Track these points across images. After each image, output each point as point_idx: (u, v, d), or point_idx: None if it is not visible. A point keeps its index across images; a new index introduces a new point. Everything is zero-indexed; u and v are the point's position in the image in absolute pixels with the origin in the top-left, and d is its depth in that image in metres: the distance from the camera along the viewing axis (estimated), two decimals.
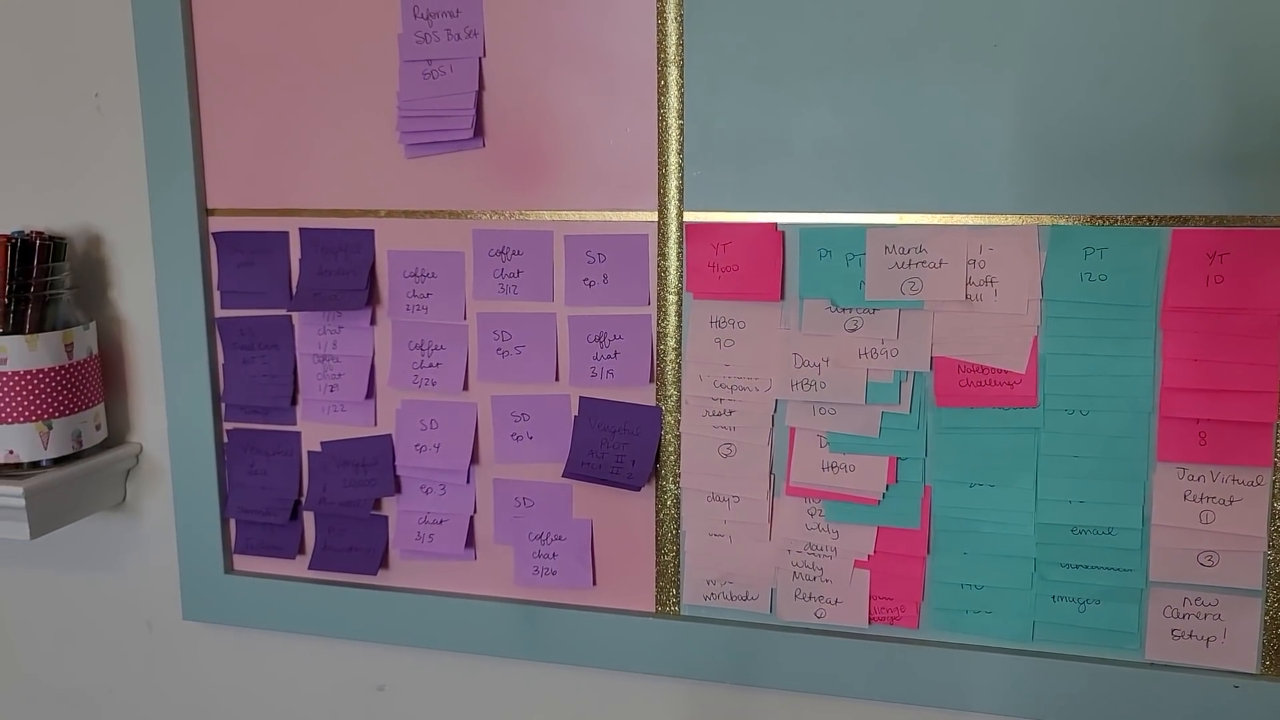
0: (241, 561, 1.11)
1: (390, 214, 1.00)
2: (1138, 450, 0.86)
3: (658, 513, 0.98)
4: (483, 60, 0.96)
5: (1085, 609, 0.89)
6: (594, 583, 1.01)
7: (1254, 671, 0.86)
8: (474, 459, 1.02)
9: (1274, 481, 0.83)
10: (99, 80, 1.08)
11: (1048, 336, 0.86)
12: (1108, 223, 0.84)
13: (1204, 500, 0.85)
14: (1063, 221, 0.85)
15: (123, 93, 1.07)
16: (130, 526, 1.16)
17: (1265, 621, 0.85)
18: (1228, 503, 0.84)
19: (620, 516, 0.99)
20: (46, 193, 1.11)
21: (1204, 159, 0.81)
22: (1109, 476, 0.86)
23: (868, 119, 0.87)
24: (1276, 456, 0.83)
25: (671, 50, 0.91)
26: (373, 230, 1.01)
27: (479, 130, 0.97)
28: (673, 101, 0.92)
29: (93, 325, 1.09)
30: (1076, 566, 0.88)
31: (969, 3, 0.84)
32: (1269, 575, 0.84)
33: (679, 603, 0.99)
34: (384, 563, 1.06)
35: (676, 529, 0.97)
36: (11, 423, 1.02)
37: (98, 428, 1.10)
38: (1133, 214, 0.83)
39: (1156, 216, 0.83)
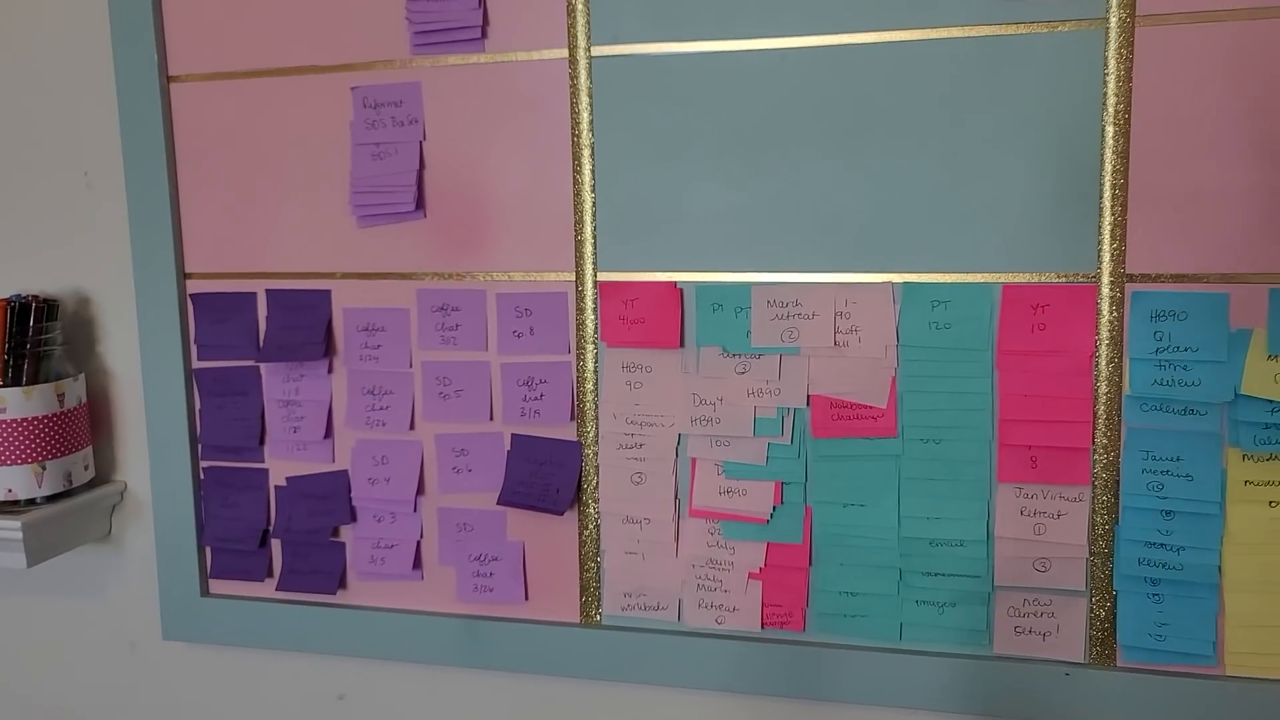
0: (216, 585, 1.24)
1: (345, 276, 1.15)
2: (981, 473, 1.00)
3: (580, 534, 1.12)
4: (423, 143, 1.11)
5: (943, 611, 1.03)
6: (526, 597, 1.14)
7: (1082, 661, 1.00)
8: (420, 490, 1.16)
9: (1092, 497, 0.98)
10: (88, 159, 1.22)
11: (904, 376, 1.01)
12: (950, 280, 0.99)
13: (1036, 515, 0.99)
14: (913, 279, 1.00)
15: (109, 170, 1.21)
16: (115, 557, 1.29)
17: (1090, 618, 0.99)
18: (1056, 516, 0.99)
19: (548, 538, 1.13)
20: (41, 259, 1.25)
21: (1026, 227, 0.96)
22: (958, 496, 1.01)
23: (751, 193, 1.02)
24: (1093, 476, 0.98)
25: (585, 135, 1.06)
26: (329, 290, 1.16)
27: (420, 203, 1.12)
28: (586, 179, 1.07)
29: (82, 377, 1.23)
30: (935, 575, 1.03)
31: (834, 97, 0.99)
32: (1091, 578, 0.99)
33: (600, 613, 1.12)
34: (342, 583, 1.19)
35: (597, 548, 1.11)
36: (9, 465, 1.16)
37: (86, 468, 1.23)
38: (970, 272, 0.98)
39: (989, 275, 0.98)
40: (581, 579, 1.12)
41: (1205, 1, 0.90)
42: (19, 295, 1.18)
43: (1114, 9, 0.92)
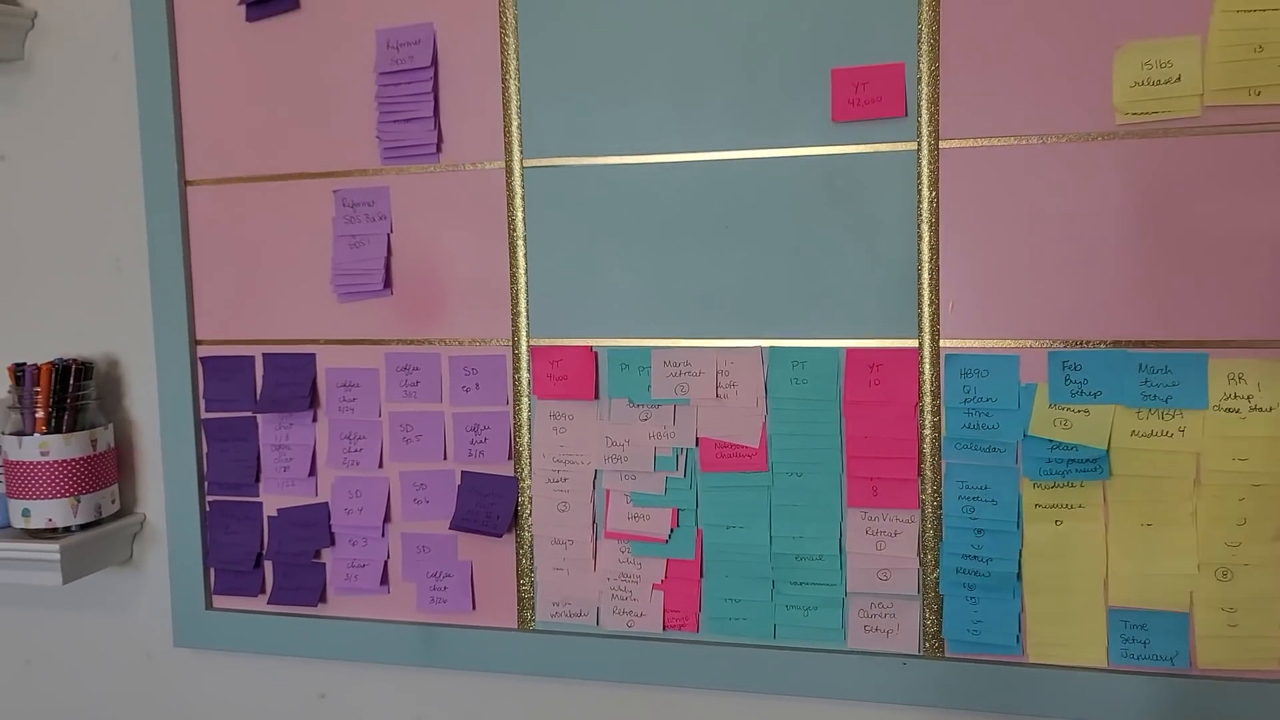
0: (219, 600, 1.48)
1: (327, 342, 1.40)
2: (834, 500, 1.24)
3: (517, 553, 1.36)
4: (390, 235, 1.37)
5: (807, 614, 1.26)
6: (474, 607, 1.38)
7: (917, 653, 1.23)
8: (387, 518, 1.40)
9: (921, 519, 1.22)
10: (119, 247, 1.48)
11: (772, 422, 1.25)
12: (805, 345, 1.24)
13: (879, 534, 1.23)
14: (777, 344, 1.24)
15: (136, 256, 1.47)
16: (134, 577, 1.53)
17: (922, 617, 1.23)
18: (893, 535, 1.23)
19: (491, 557, 1.37)
20: (78, 329, 1.51)
21: (863, 304, 1.21)
22: (817, 519, 1.25)
23: (649, 276, 1.28)
24: (921, 502, 1.21)
25: (519, 229, 1.32)
26: (314, 354, 1.41)
27: (388, 283, 1.37)
28: (521, 264, 1.32)
29: (110, 426, 1.48)
30: (800, 584, 1.26)
31: (711, 201, 1.25)
32: (922, 585, 1.22)
33: (534, 620, 1.36)
34: (323, 597, 1.43)
35: (530, 565, 1.35)
36: (51, 498, 1.41)
37: (113, 501, 1.48)
38: (821, 339, 1.23)
39: (836, 341, 1.22)
40: (519, 591, 1.36)
41: (992, 130, 1.16)
42: (60, 359, 1.44)
43: (924, 136, 1.18)
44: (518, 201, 1.32)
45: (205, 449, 1.46)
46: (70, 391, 1.43)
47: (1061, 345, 1.16)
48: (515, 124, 1.31)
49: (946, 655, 1.22)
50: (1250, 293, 1.10)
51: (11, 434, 1.41)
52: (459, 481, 1.37)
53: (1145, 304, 1.13)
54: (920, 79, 1.17)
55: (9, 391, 1.43)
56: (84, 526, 1.44)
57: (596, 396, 1.31)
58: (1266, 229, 1.09)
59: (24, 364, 1.42)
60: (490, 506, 1.35)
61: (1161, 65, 1.10)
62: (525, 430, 1.34)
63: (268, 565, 1.45)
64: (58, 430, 1.41)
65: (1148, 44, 1.10)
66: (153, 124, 1.43)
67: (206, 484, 1.47)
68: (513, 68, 1.30)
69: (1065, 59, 1.13)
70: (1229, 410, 1.11)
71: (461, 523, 1.35)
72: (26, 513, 1.41)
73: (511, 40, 1.30)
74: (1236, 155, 1.09)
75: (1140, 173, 1.12)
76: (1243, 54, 1.07)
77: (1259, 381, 1.10)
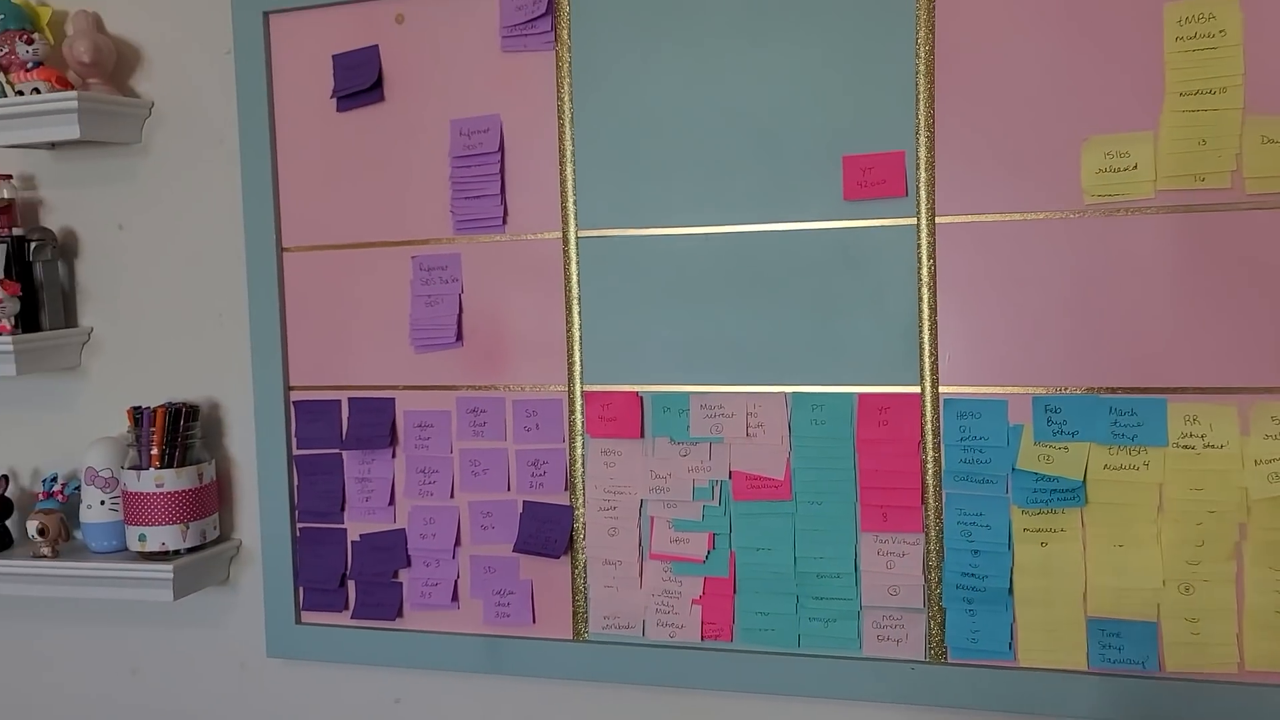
0: (307, 615, 1.68)
1: (405, 388, 1.61)
2: (850, 525, 1.43)
3: (572, 573, 1.55)
4: (461, 295, 1.58)
5: (827, 625, 1.45)
6: (534, 621, 1.57)
7: (923, 659, 1.41)
8: (457, 542, 1.60)
9: (925, 542, 1.40)
10: (222, 304, 1.70)
11: (795, 457, 1.45)
12: (824, 390, 1.43)
13: (889, 555, 1.42)
14: (799, 390, 1.44)
15: (237, 312, 1.69)
16: (230, 596, 1.74)
17: (927, 628, 1.41)
18: (901, 556, 1.41)
19: (550, 576, 1.56)
20: (187, 376, 1.72)
21: (873, 356, 1.41)
22: (835, 542, 1.44)
23: (687, 331, 1.48)
24: (925, 527, 1.40)
25: (574, 290, 1.53)
26: (394, 398, 1.62)
27: (459, 336, 1.58)
28: (575, 320, 1.53)
29: (212, 461, 1.69)
30: (821, 599, 1.45)
31: (740, 266, 1.45)
32: (927, 599, 1.41)
33: (587, 632, 1.55)
34: (400, 612, 1.63)
35: (585, 583, 1.54)
36: (165, 524, 1.61)
37: (214, 528, 1.68)
38: (837, 385, 1.43)
39: (850, 387, 1.42)
40: (574, 606, 1.55)
41: (981, 208, 1.36)
42: (171, 403, 1.65)
43: (923, 213, 1.38)
44: (573, 266, 1.53)
45: (296, 482, 1.67)
46: (180, 431, 1.64)
47: (1043, 391, 1.35)
48: (571, 200, 1.52)
49: (949, 661, 1.40)
50: (1201, 347, 1.29)
51: (130, 468, 1.62)
52: (521, 510, 1.56)
53: (1113, 356, 1.32)
54: (919, 165, 1.38)
55: (128, 431, 1.65)
56: (191, 550, 1.65)
57: (642, 435, 1.51)
58: (1211, 292, 1.28)
59: (141, 407, 1.64)
60: (549, 532, 1.55)
61: (1121, 155, 1.30)
62: (580, 465, 1.54)
63: (351, 584, 1.65)
64: (169, 465, 1.62)
65: (1109, 138, 1.30)
66: (254, 198, 1.65)
67: (297, 512, 1.67)
68: (569, 153, 1.52)
69: (1041, 149, 1.33)
70: (1186, 447, 1.30)
71: (524, 546, 1.55)
72: (143, 537, 1.62)
73: (568, 129, 1.51)
74: (1184, 231, 1.28)
75: (1105, 245, 1.31)
76: (1188, 147, 1.27)
77: (1210, 423, 1.29)
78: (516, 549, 1.55)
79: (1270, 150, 1.25)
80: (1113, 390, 1.33)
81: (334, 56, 1.60)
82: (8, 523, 1.76)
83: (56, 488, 1.74)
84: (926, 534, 1.40)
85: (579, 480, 1.54)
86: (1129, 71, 1.29)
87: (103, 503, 1.67)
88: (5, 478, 1.76)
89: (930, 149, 1.37)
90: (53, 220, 1.78)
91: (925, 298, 1.39)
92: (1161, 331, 1.30)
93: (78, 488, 1.72)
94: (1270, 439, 1.27)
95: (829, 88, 1.40)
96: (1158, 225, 1.30)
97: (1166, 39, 1.28)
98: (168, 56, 1.71)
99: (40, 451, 1.82)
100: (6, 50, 1.64)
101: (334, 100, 1.61)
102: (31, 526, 1.68)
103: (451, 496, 1.60)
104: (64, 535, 1.71)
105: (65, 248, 1.77)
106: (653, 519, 1.50)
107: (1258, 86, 1.25)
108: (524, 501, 1.56)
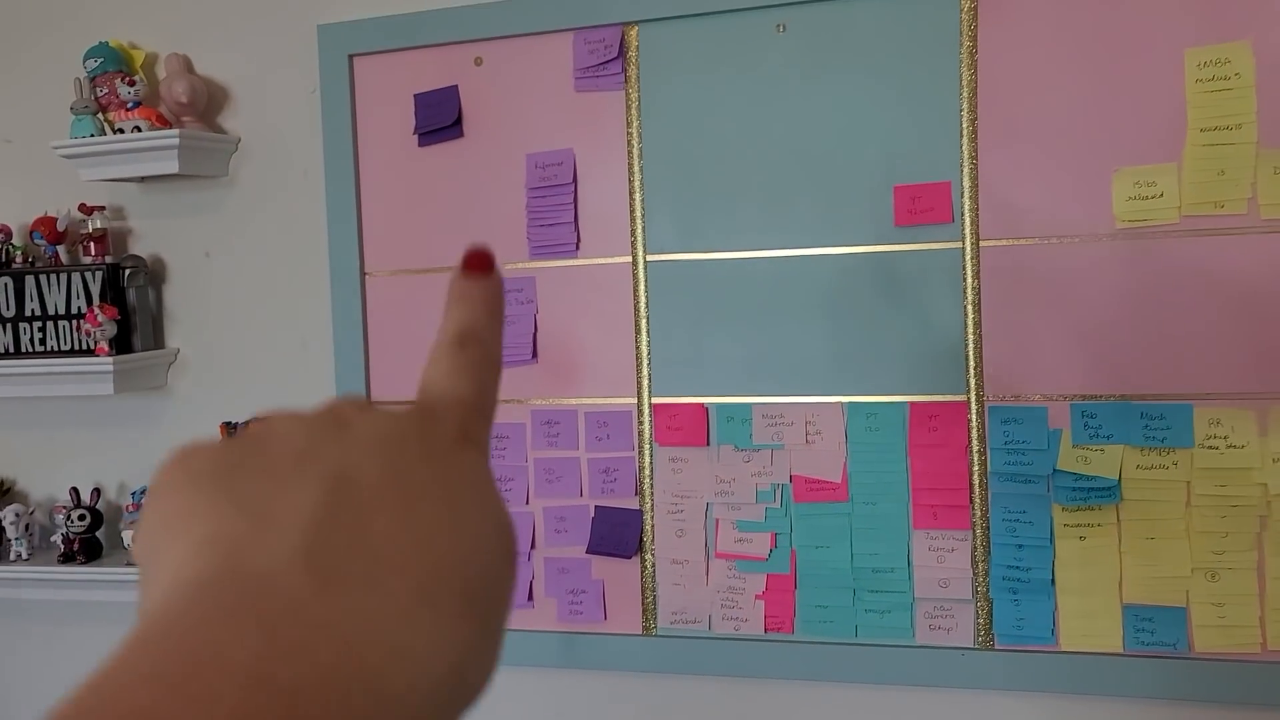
0: None
1: None
2: (903, 524, 1.56)
3: (642, 572, 1.67)
4: (536, 315, 1.70)
5: (883, 616, 1.57)
6: (605, 617, 1.69)
7: (973, 646, 1.54)
8: (532, 545, 1.71)
9: (973, 538, 1.53)
10: (304, 325, 1.82)
11: (851, 461, 1.58)
12: (877, 400, 1.56)
13: (939, 551, 1.55)
14: (854, 399, 1.57)
15: (321, 338, 1.81)
16: None
17: (975, 617, 1.54)
18: (951, 551, 1.54)
19: (621, 575, 1.68)
20: (267, 393, 1.84)
21: (924, 368, 1.54)
22: (889, 540, 1.56)
23: (750, 346, 1.61)
24: (972, 524, 1.53)
25: (643, 310, 1.66)
26: None
27: (535, 353, 1.70)
28: (644, 337, 1.66)
29: None
30: (876, 592, 1.57)
31: (799, 286, 1.58)
32: (975, 591, 1.54)
33: (656, 627, 1.67)
34: None
35: (654, 581, 1.66)
36: None
37: None
38: (889, 395, 1.56)
39: (901, 396, 1.55)
40: (643, 603, 1.67)
41: (1020, 232, 1.50)
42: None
43: (967, 237, 1.52)
44: (641, 289, 1.66)
45: None
46: None
47: (1080, 399, 1.49)
48: (640, 227, 1.65)
49: (996, 647, 1.53)
50: (1222, 357, 1.43)
51: None
52: (593, 514, 1.68)
53: (1144, 366, 1.46)
54: (964, 193, 1.52)
55: None
56: None
57: (708, 443, 1.63)
58: (1232, 308, 1.42)
59: (232, 422, 1.75)
60: (620, 534, 1.67)
61: (1149, 185, 1.44)
62: (648, 471, 1.66)
63: None
64: None
65: (1138, 169, 1.45)
66: (339, 225, 1.78)
67: None
68: (637, 183, 1.65)
69: (1076, 178, 1.48)
70: (1210, 448, 1.44)
71: (597, 547, 1.67)
72: None
73: (636, 162, 1.65)
74: (1206, 252, 1.43)
75: (1135, 265, 1.46)
76: (1209, 176, 1.42)
77: (1233, 425, 1.43)
78: (589, 550, 1.67)
79: None
80: (1143, 397, 1.46)
81: (416, 96, 1.73)
82: (97, 533, 1.87)
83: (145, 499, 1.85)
84: (974, 531, 1.53)
85: (648, 485, 1.66)
86: (1154, 109, 1.44)
87: None
88: (96, 491, 1.87)
89: (974, 179, 1.51)
90: (141, 248, 1.90)
91: (970, 315, 1.52)
92: (1187, 343, 1.44)
93: None
94: None
95: (881, 122, 1.55)
96: (1182, 247, 1.44)
97: (1188, 80, 1.43)
98: (253, 95, 1.84)
99: (127, 466, 1.93)
100: (106, 91, 1.76)
101: (415, 135, 1.74)
102: (128, 536, 1.78)
103: (527, 503, 1.72)
104: None
105: (153, 274, 1.89)
106: (718, 520, 1.63)
107: (1269, 123, 1.40)
108: (596, 506, 1.68)
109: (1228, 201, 1.42)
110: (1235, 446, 1.43)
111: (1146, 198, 1.45)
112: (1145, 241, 1.46)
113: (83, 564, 1.82)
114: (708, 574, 1.64)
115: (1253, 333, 1.42)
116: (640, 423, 1.66)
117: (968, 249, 1.52)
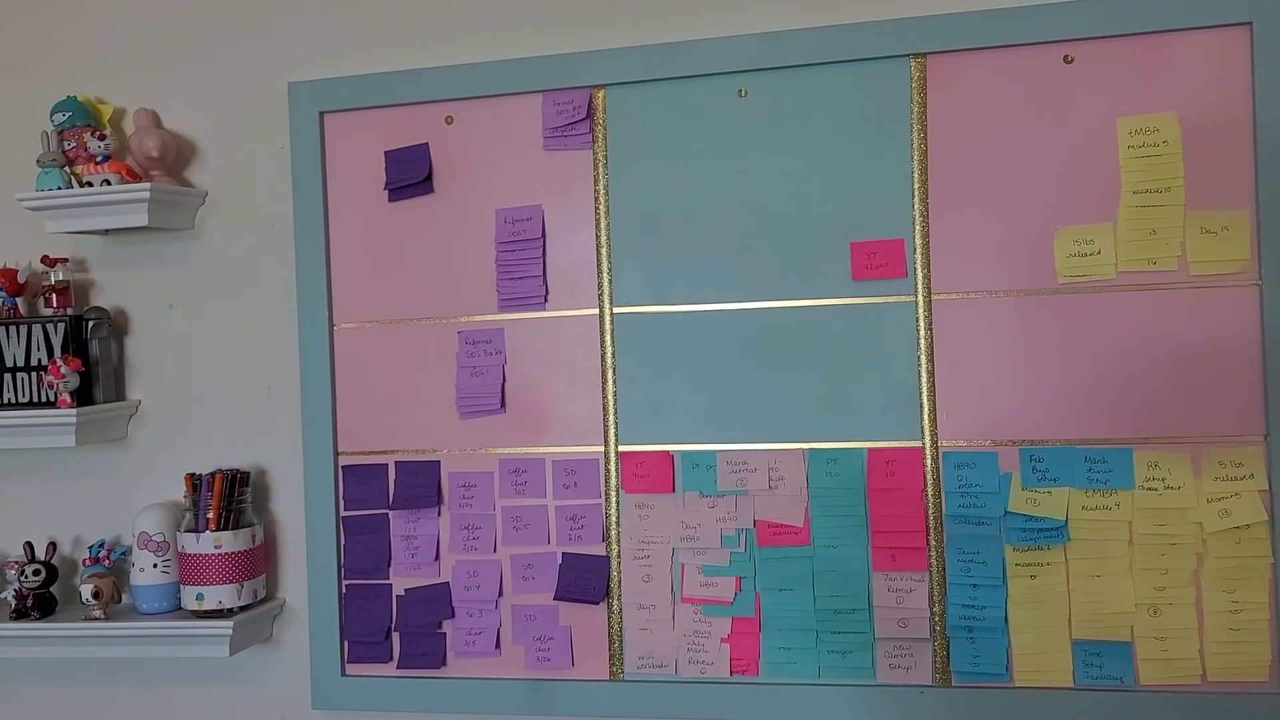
0: (352, 668, 1.78)
1: (450, 451, 1.76)
2: (863, 566, 1.61)
3: (609, 617, 1.70)
4: (504, 366, 1.74)
5: (845, 656, 1.62)
6: (573, 664, 1.71)
7: (931, 684, 1.59)
8: (500, 593, 1.73)
9: (930, 579, 1.60)
10: (271, 378, 1.83)
11: (813, 506, 1.63)
12: (836, 446, 1.63)
13: (898, 591, 1.60)
14: (815, 446, 1.63)
15: (285, 385, 1.82)
16: (273, 652, 1.83)
17: (933, 655, 1.59)
18: (909, 591, 1.60)
19: (588, 621, 1.70)
20: (238, 445, 1.84)
21: (880, 415, 1.61)
22: (850, 582, 1.62)
23: (713, 396, 1.66)
24: (929, 565, 1.60)
25: (609, 360, 1.70)
26: (439, 460, 1.76)
27: (503, 403, 1.74)
28: (610, 386, 1.70)
29: (261, 524, 1.80)
30: (838, 633, 1.62)
31: (760, 337, 1.65)
32: (932, 630, 1.59)
33: (623, 672, 1.69)
34: (444, 661, 1.75)
35: (621, 626, 1.69)
36: (223, 584, 1.71)
37: (263, 587, 1.79)
38: (848, 441, 1.62)
39: (860, 443, 1.62)
40: (610, 648, 1.70)
41: (970, 286, 1.58)
42: (223, 468, 1.77)
43: (920, 291, 1.60)
44: (608, 340, 1.70)
45: (343, 541, 1.79)
46: (235, 496, 1.75)
47: (1028, 444, 1.57)
48: (606, 280, 1.71)
49: (954, 684, 1.59)
50: (1158, 403, 1.52)
51: (187, 531, 1.73)
52: (560, 561, 1.71)
53: (1087, 413, 1.55)
54: (916, 249, 1.60)
55: (184, 496, 1.75)
56: (243, 608, 1.75)
57: (673, 490, 1.68)
58: (1166, 357, 1.52)
59: (199, 474, 1.75)
60: (587, 580, 1.70)
61: (1087, 242, 1.54)
62: (615, 518, 1.70)
63: (396, 636, 1.77)
64: (226, 528, 1.73)
65: (1078, 228, 1.55)
66: (308, 277, 1.80)
67: (343, 570, 1.79)
68: (604, 238, 1.71)
69: (1021, 237, 1.57)
70: (1150, 489, 1.52)
71: (564, 594, 1.70)
72: (200, 597, 1.72)
73: (603, 218, 1.71)
74: (1141, 305, 1.53)
75: (1076, 317, 1.55)
76: (1142, 235, 1.53)
77: (1169, 468, 1.52)
78: (557, 597, 1.70)
79: (1208, 239, 1.51)
80: (1086, 441, 1.55)
81: (386, 152, 1.77)
82: (51, 589, 1.83)
83: (103, 553, 1.83)
84: (930, 571, 1.60)
85: (615, 532, 1.70)
86: (1091, 172, 1.55)
87: (155, 565, 1.77)
88: (52, 544, 1.84)
89: (925, 236, 1.60)
90: (103, 300, 1.90)
91: (924, 364, 1.60)
92: (1126, 390, 1.54)
93: (124, 553, 1.82)
94: (1219, 480, 1.51)
95: (837, 182, 1.63)
96: (1119, 301, 1.54)
97: (1120, 147, 1.54)
98: (222, 150, 1.86)
99: (83, 520, 1.91)
100: (75, 145, 1.77)
101: (385, 192, 1.78)
102: (86, 590, 1.76)
103: (494, 550, 1.74)
104: (115, 598, 1.80)
105: (115, 326, 1.88)
106: (684, 565, 1.67)
107: (1195, 186, 1.52)
108: (563, 553, 1.71)
109: (1159, 259, 1.53)
110: (1172, 488, 1.52)
111: (1086, 255, 1.55)
112: (1085, 295, 1.55)
113: (37, 619, 1.79)
114: (674, 618, 1.68)
115: (1185, 380, 1.52)
116: (607, 470, 1.70)
117: (920, 302, 1.60)
